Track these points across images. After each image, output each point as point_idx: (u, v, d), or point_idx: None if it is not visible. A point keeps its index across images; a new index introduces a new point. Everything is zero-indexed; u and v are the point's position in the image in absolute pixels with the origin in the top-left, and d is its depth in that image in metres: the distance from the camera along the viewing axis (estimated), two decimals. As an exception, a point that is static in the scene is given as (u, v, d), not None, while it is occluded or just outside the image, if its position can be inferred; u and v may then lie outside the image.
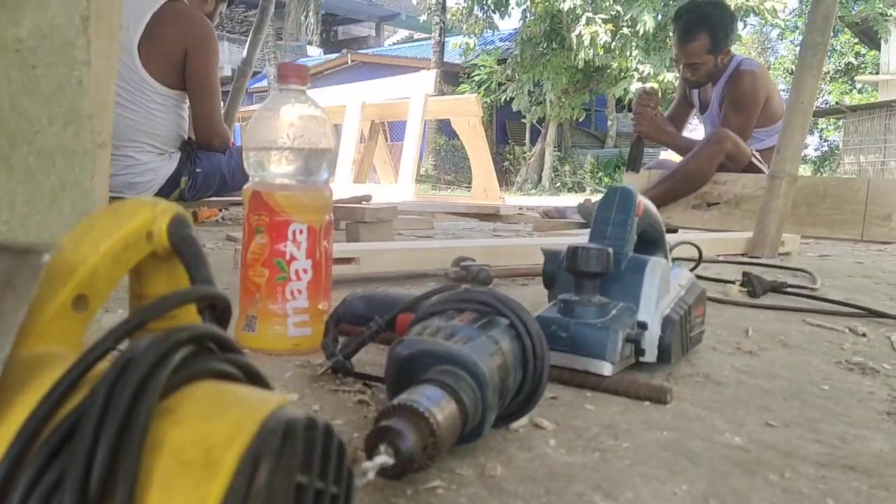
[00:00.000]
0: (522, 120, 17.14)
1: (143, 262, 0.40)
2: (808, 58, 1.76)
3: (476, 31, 14.54)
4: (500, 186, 16.41)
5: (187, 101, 2.60)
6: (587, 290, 0.76)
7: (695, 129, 5.22)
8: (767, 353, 0.88)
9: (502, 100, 15.67)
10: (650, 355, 0.76)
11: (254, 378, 0.32)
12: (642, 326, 0.76)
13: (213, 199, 2.84)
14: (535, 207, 4.11)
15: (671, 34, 2.92)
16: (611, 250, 0.75)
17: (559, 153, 17.82)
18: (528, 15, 13.83)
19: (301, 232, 0.77)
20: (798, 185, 2.56)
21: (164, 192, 2.62)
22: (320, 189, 0.79)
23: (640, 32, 12.49)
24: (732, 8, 11.62)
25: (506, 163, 17.87)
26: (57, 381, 0.29)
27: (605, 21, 12.50)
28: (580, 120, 15.90)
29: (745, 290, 1.20)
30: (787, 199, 1.76)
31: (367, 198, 3.54)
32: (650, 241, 0.93)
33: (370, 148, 6.38)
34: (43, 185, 0.54)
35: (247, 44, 4.19)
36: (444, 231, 2.75)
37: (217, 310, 0.37)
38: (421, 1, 15.27)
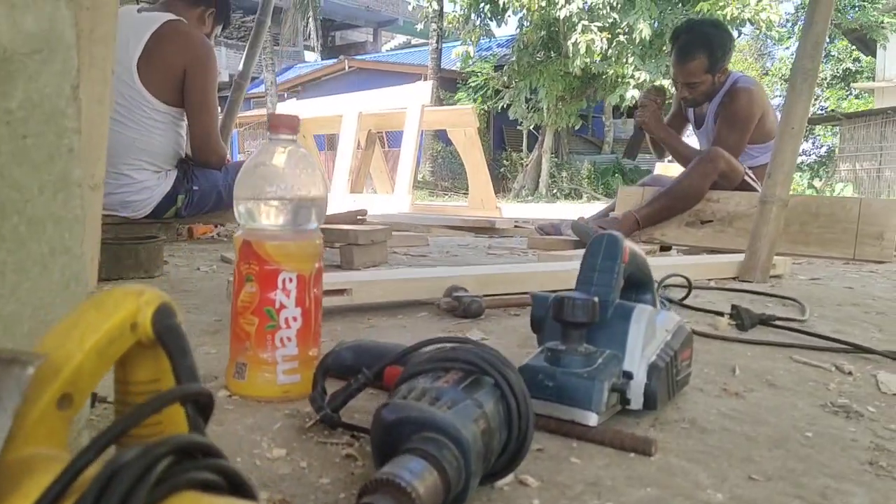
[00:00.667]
0: (519, 127, 17.17)
1: (128, 350, 0.41)
2: (799, 84, 1.77)
3: (473, 38, 14.58)
4: (497, 193, 16.53)
5: (185, 118, 2.61)
6: (573, 340, 0.77)
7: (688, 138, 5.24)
8: (754, 395, 0.89)
9: (499, 107, 15.70)
10: (636, 403, 0.77)
11: (237, 485, 0.33)
12: (628, 376, 0.77)
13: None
14: (531, 221, 4.12)
15: (668, 45, 2.94)
16: (597, 300, 0.76)
17: (556, 159, 17.86)
18: (525, 23, 13.86)
19: (291, 280, 0.78)
20: (791, 203, 2.57)
21: (161, 209, 2.63)
22: (310, 237, 0.80)
23: (637, 40, 12.53)
24: (728, 17, 11.69)
25: (503, 169, 17.90)
26: (43, 493, 0.30)
27: (600, 29, 12.55)
28: (577, 127, 15.92)
29: (735, 322, 1.21)
30: (777, 223, 1.77)
31: (363, 212, 3.54)
32: (638, 284, 0.94)
33: (367, 157, 6.39)
34: (33, 252, 0.54)
35: (243, 57, 4.20)
36: (438, 248, 2.76)
37: (200, 404, 0.38)
38: (418, 8, 15.26)
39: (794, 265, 2.28)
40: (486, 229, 3.79)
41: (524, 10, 13.26)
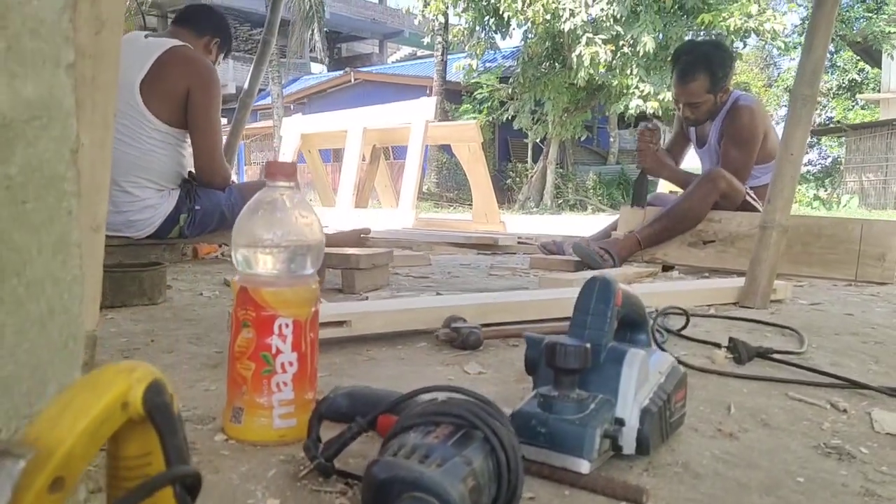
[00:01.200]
0: (525, 139, 17.20)
1: (119, 427, 0.42)
2: (797, 110, 1.78)
3: (478, 51, 14.62)
4: (503, 204, 16.42)
5: (188, 139, 2.64)
6: (566, 385, 0.77)
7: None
8: (748, 436, 0.90)
9: (504, 118, 15.74)
10: (628, 448, 0.78)
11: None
12: (620, 422, 0.77)
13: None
14: (534, 238, 4.13)
15: (671, 61, 2.95)
16: (588, 346, 0.77)
17: (562, 170, 17.86)
18: (529, 35, 13.91)
19: (287, 326, 0.79)
20: (793, 223, 2.57)
21: (164, 229, 2.65)
22: (306, 282, 0.81)
23: (641, 52, 12.56)
24: (731, 28, 11.68)
25: (508, 181, 17.92)
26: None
27: (605, 41, 12.57)
28: (582, 138, 15.93)
29: (732, 356, 1.22)
30: (777, 249, 1.77)
31: (367, 231, 3.55)
32: (633, 324, 0.94)
33: (371, 172, 6.42)
34: (32, 313, 0.56)
35: (248, 76, 4.23)
36: (440, 267, 2.77)
37: (188, 485, 0.39)
38: (424, 22, 15.34)
39: (797, 287, 2.28)
40: (489, 246, 3.80)
41: (529, 23, 13.30)
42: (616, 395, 0.79)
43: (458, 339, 1.30)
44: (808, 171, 25.07)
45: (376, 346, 1.31)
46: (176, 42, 2.52)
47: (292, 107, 23.01)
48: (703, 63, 2.76)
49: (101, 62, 0.89)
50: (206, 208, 2.73)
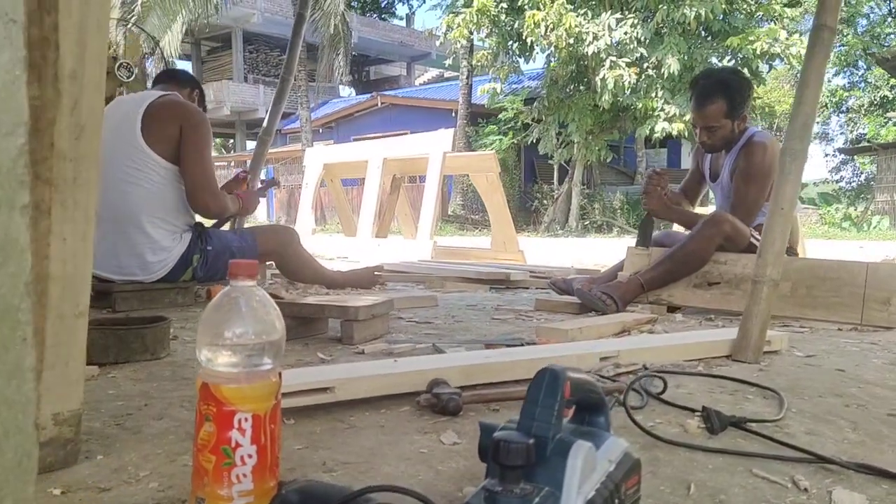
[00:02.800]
0: (550, 161, 17.23)
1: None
2: (788, 164, 1.80)
3: (502, 76, 14.72)
4: (528, 226, 16.46)
5: None
6: (510, 480, 0.80)
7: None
8: (701, 521, 0.92)
9: (529, 141, 15.79)
10: (573, 541, 0.80)
11: None
12: (562, 517, 0.80)
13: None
14: (547, 272, 4.15)
15: (689, 84, 2.98)
16: (532, 442, 0.80)
17: (589, 191, 17.84)
18: (552, 59, 13.98)
19: (246, 420, 0.83)
20: (797, 265, 2.58)
21: (176, 272, 2.74)
22: (266, 377, 0.85)
23: (665, 75, 12.54)
24: (758, 52, 11.62)
25: (535, 202, 17.93)
26: None
27: (629, 64, 12.58)
28: (608, 160, 15.91)
29: (704, 426, 1.24)
30: (769, 303, 1.78)
31: (380, 268, 3.62)
32: (591, 407, 0.97)
33: (391, 202, 6.49)
34: (-13, 435, 0.61)
35: (267, 114, 4.33)
36: (446, 309, 2.81)
37: None
38: (445, 43, 15.48)
39: (797, 333, 2.27)
40: (501, 281, 3.84)
41: (552, 48, 13.38)
42: (561, 489, 0.82)
43: (439, 405, 1.33)
44: (841, 189, 24.72)
45: (360, 410, 1.35)
46: (166, 91, 2.79)
47: (321, 130, 23.34)
48: (722, 88, 2.79)
49: (82, 164, 0.95)
50: (217, 249, 2.83)
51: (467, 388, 1.46)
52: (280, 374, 0.89)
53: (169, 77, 3.07)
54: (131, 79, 3.62)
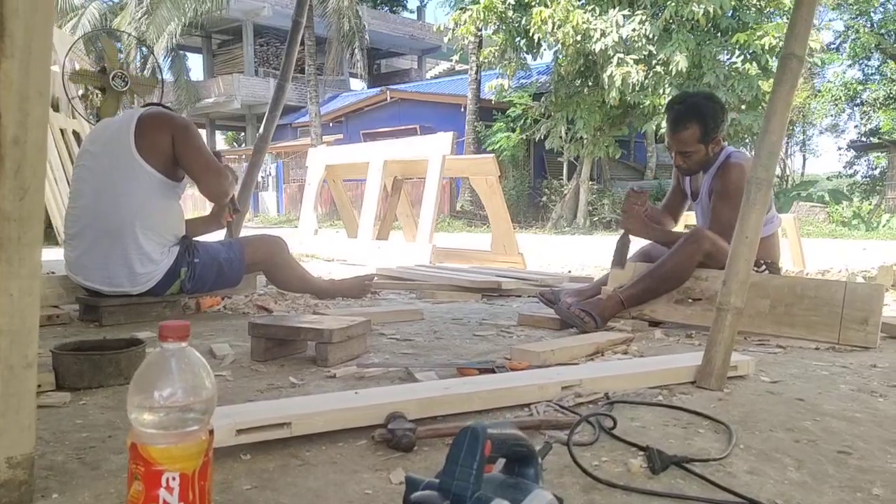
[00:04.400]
0: (560, 159, 17.21)
1: None
2: (753, 193, 1.81)
3: (510, 72, 14.70)
4: (536, 222, 16.48)
5: (180, 190, 2.87)
6: (426, 540, 0.84)
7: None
8: (620, 572, 0.95)
9: (537, 137, 15.77)
10: None
11: None
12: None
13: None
14: (541, 280, 4.17)
15: (664, 108, 2.99)
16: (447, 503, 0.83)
17: (599, 186, 17.81)
18: (559, 56, 13.94)
19: (174, 479, 0.87)
20: (776, 283, 2.59)
21: (163, 285, 2.79)
22: (195, 436, 0.89)
23: (674, 71, 12.49)
24: (766, 48, 11.53)
25: (543, 198, 17.92)
26: None
27: (636, 62, 12.53)
28: (617, 156, 15.86)
29: (647, 465, 1.26)
30: (732, 331, 1.80)
31: (370, 277, 3.65)
32: (520, 459, 1.00)
33: (393, 204, 6.52)
34: None
35: (263, 122, 4.37)
36: (431, 324, 2.84)
37: None
38: (454, 41, 15.46)
39: (770, 354, 2.29)
40: (493, 290, 3.87)
41: (559, 45, 13.34)
42: (477, 547, 0.85)
43: (393, 440, 1.36)
44: (856, 182, 24.49)
45: (317, 444, 1.38)
46: (153, 107, 2.91)
47: (331, 124, 23.41)
48: (695, 113, 2.81)
49: (26, 223, 0.99)
50: (205, 261, 2.88)
51: (426, 420, 1.49)
52: (211, 431, 0.92)
53: (154, 103, 3.18)
54: (127, 87, 3.66)
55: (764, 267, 2.79)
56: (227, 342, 2.35)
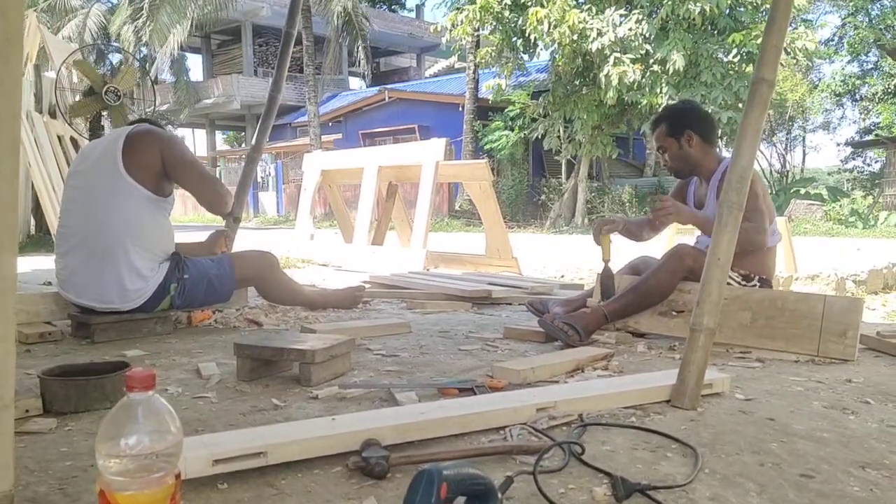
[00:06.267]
0: (558, 157, 17.22)
1: None
2: (725, 216, 1.85)
3: (506, 72, 14.72)
4: (535, 220, 16.52)
5: (169, 206, 2.91)
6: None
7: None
8: None
9: (535, 136, 15.79)
10: None
11: None
12: None
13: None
14: (532, 287, 4.21)
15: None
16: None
17: (597, 184, 17.82)
18: (555, 55, 13.95)
19: (141, 524, 0.91)
20: (757, 297, 2.63)
21: (153, 301, 2.83)
22: (161, 482, 0.93)
23: (671, 70, 12.50)
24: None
25: (542, 196, 17.93)
26: None
27: (633, 61, 12.54)
28: (614, 155, 15.87)
29: (611, 493, 1.30)
30: (706, 351, 1.83)
31: (361, 289, 3.69)
32: (480, 497, 1.04)
33: (388, 209, 6.56)
34: None
35: (255, 132, 4.40)
36: (418, 337, 2.88)
37: None
38: (451, 41, 15.48)
39: (749, 368, 2.33)
40: (483, 299, 3.91)
41: (555, 45, 13.36)
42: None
43: (367, 468, 1.40)
44: (856, 178, 24.49)
45: (294, 472, 1.42)
46: (141, 123, 2.94)
47: (330, 124, 23.43)
48: (665, 113, 3.07)
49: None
50: (195, 277, 2.92)
51: (401, 445, 1.53)
52: (178, 475, 0.96)
53: (144, 120, 3.21)
54: (117, 103, 3.70)
55: (756, 283, 2.79)
56: (214, 360, 2.39)
